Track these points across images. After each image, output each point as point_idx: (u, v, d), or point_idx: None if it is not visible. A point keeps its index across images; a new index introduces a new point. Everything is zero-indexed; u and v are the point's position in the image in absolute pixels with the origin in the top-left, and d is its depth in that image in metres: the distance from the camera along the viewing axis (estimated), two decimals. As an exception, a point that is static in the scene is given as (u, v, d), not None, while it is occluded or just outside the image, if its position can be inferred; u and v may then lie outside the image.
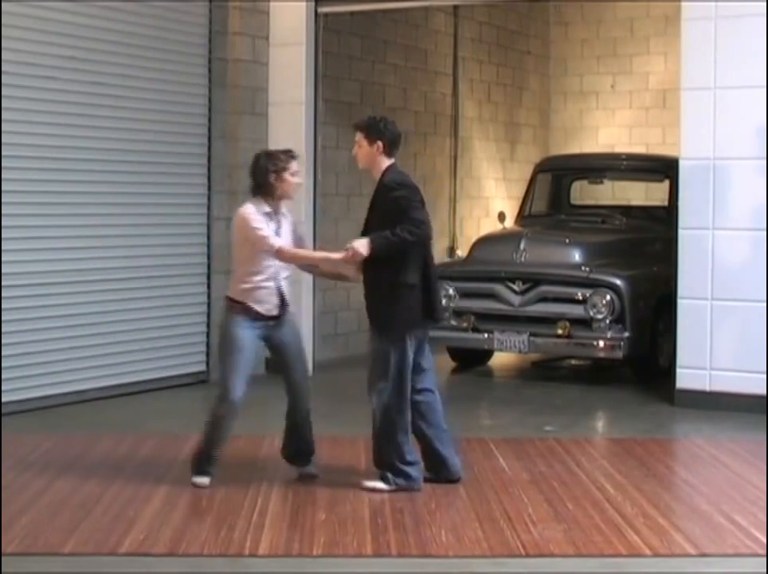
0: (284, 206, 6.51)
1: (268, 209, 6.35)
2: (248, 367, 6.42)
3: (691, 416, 8.66)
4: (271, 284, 6.37)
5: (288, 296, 6.49)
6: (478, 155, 14.34)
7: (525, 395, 9.77)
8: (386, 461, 6.37)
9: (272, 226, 6.34)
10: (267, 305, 6.38)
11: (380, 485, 6.36)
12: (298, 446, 6.66)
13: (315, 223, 10.55)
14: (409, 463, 6.37)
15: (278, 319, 6.45)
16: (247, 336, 6.36)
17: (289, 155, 6.44)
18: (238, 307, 6.36)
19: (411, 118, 12.81)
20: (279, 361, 6.63)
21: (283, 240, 6.35)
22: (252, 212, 6.32)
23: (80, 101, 9.00)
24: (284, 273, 6.44)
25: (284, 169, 6.34)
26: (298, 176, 6.46)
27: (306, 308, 10.45)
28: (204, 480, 6.40)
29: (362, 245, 6.20)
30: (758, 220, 8.69)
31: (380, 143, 6.35)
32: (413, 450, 6.43)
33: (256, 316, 6.36)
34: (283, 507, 6.03)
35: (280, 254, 6.32)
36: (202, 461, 6.45)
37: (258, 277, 6.34)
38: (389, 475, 6.34)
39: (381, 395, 6.33)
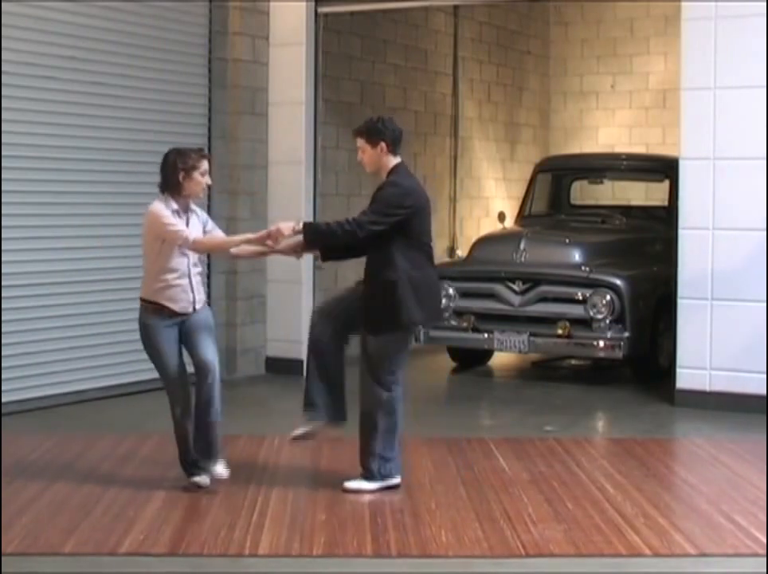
0: (194, 203, 6.45)
1: (175, 206, 6.27)
2: (177, 364, 6.38)
3: (691, 416, 8.66)
4: (184, 281, 6.30)
5: (200, 292, 6.41)
6: (478, 155, 14.34)
7: (525, 395, 9.77)
8: (377, 456, 6.29)
9: (181, 223, 6.28)
10: (181, 303, 6.30)
11: (365, 485, 6.29)
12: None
13: (315, 223, 10.54)
14: (393, 459, 6.36)
15: (192, 314, 6.37)
16: (166, 337, 6.30)
17: (201, 153, 6.40)
18: (152, 307, 6.30)
19: (411, 118, 12.81)
20: (187, 346, 6.45)
21: (195, 233, 6.30)
22: (162, 209, 6.25)
23: (80, 101, 9.00)
24: (195, 269, 6.39)
25: (194, 167, 6.26)
26: (208, 176, 6.36)
27: (306, 308, 10.44)
28: (202, 478, 6.38)
29: (286, 226, 6.22)
30: (758, 220, 8.69)
31: (383, 144, 6.34)
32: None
33: (171, 315, 6.29)
34: (283, 507, 6.02)
35: (196, 245, 6.27)
36: (187, 464, 6.44)
37: (171, 275, 6.27)
38: (375, 472, 6.29)
39: (384, 390, 6.28)
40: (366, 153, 6.39)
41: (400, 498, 6.21)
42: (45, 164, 8.74)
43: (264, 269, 10.51)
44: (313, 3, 10.51)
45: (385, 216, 6.22)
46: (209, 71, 10.19)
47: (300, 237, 6.39)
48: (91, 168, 9.10)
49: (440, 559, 5.26)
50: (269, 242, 6.33)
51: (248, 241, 6.45)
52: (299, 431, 6.46)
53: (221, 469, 6.30)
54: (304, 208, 10.45)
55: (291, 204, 10.44)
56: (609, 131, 15.67)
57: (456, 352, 11.06)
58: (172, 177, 6.27)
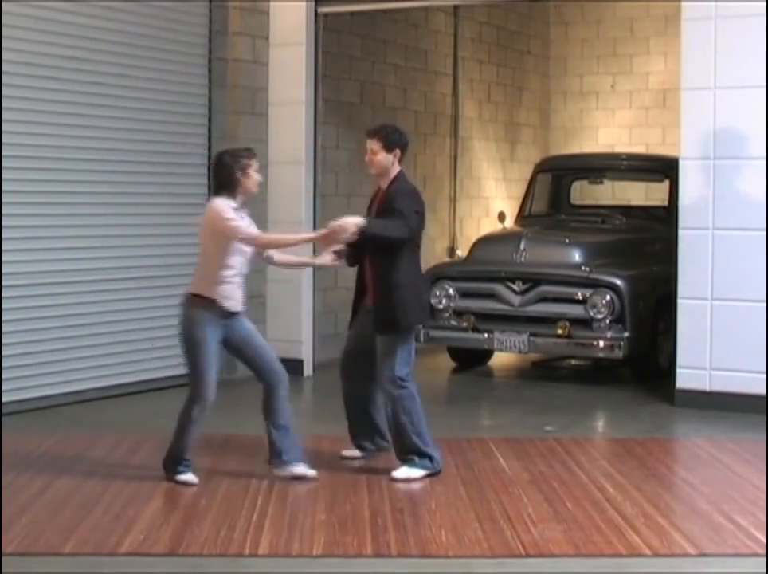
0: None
1: (234, 204, 6.37)
2: (216, 366, 6.44)
3: (691, 416, 8.66)
4: (239, 279, 6.43)
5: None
6: (478, 155, 14.34)
7: (525, 395, 9.77)
8: (413, 448, 6.61)
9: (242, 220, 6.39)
10: (233, 301, 6.40)
11: (412, 473, 6.58)
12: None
13: (315, 223, 10.54)
14: (430, 445, 6.67)
15: (237, 316, 6.47)
16: (210, 334, 6.36)
17: (250, 152, 6.54)
18: (204, 302, 6.35)
19: (411, 118, 12.81)
20: (244, 356, 6.58)
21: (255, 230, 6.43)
22: (225, 205, 6.34)
23: (80, 101, 9.00)
24: (247, 268, 6.49)
25: (248, 166, 6.41)
26: (259, 173, 6.50)
27: (306, 308, 10.45)
28: (188, 476, 6.43)
29: (352, 222, 6.36)
30: (758, 220, 8.69)
31: (398, 151, 6.66)
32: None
33: (222, 313, 6.37)
34: (283, 507, 6.02)
35: (259, 241, 6.40)
36: (176, 462, 6.48)
37: (228, 272, 6.36)
38: (417, 460, 6.61)
39: (404, 384, 6.58)
40: (379, 156, 6.63)
41: (400, 498, 6.21)
42: (45, 164, 8.74)
43: (264, 269, 10.48)
44: (313, 3, 10.51)
45: (414, 221, 6.55)
46: (209, 71, 10.18)
47: (342, 245, 6.62)
48: (91, 168, 9.10)
49: (440, 559, 5.26)
50: (327, 239, 6.47)
51: (307, 240, 6.61)
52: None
53: (303, 469, 6.54)
54: (304, 208, 10.45)
55: (291, 204, 10.45)
56: (609, 131, 15.67)
57: (456, 352, 11.06)
58: (230, 177, 6.38)
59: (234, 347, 6.57)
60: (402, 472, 6.61)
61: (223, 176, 6.43)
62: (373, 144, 6.66)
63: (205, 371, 6.37)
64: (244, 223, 6.35)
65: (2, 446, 7.18)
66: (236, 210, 6.36)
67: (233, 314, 6.44)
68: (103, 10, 9.15)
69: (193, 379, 6.44)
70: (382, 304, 6.59)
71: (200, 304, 6.38)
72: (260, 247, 6.49)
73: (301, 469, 6.54)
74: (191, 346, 6.40)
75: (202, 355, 6.36)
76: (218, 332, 6.39)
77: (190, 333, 6.39)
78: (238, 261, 6.40)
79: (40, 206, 8.73)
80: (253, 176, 6.43)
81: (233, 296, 6.40)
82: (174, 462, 6.50)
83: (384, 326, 6.58)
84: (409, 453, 6.64)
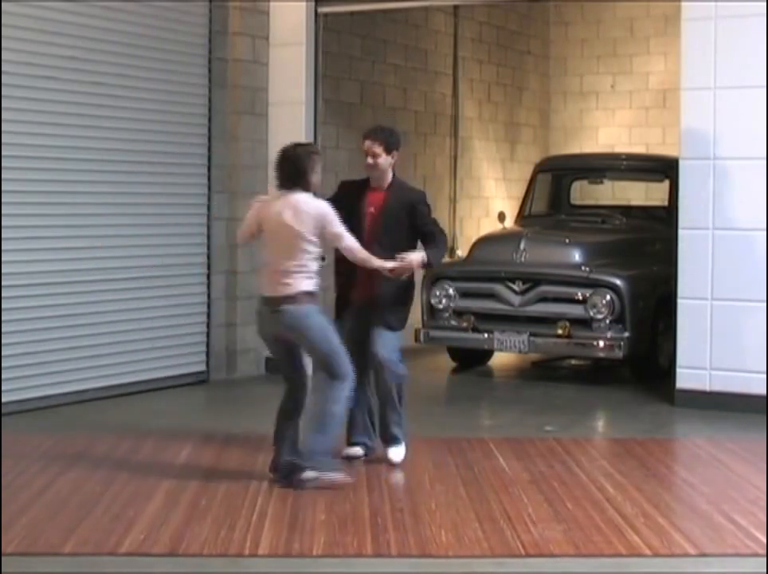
0: None
1: None
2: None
3: (691, 416, 8.66)
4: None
5: None
6: (478, 155, 14.34)
7: (525, 395, 9.77)
8: (401, 425, 6.92)
9: None
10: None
11: (401, 450, 6.91)
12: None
13: (315, 223, 10.54)
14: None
15: None
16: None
17: (314, 148, 6.68)
18: (311, 298, 6.41)
19: (411, 118, 12.81)
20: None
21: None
22: (329, 208, 6.42)
23: (80, 101, 9.00)
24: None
25: (317, 163, 6.48)
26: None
27: (306, 308, 10.43)
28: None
29: (417, 259, 6.69)
30: (758, 220, 8.69)
31: (395, 153, 6.86)
32: None
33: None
34: (283, 507, 6.02)
35: (353, 252, 6.48)
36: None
37: (314, 266, 6.45)
38: (401, 437, 6.94)
39: (401, 369, 6.89)
40: (381, 157, 6.80)
41: (400, 498, 6.21)
42: (45, 164, 8.73)
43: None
44: (313, 3, 10.51)
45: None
46: (209, 71, 10.18)
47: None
48: (91, 168, 9.10)
49: (440, 559, 5.26)
50: (395, 273, 6.66)
51: (380, 269, 6.61)
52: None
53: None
54: (304, 208, 10.43)
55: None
56: (609, 131, 15.66)
57: (456, 352, 11.06)
58: (303, 171, 6.42)
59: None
60: (397, 453, 6.89)
61: (296, 170, 6.41)
62: (375, 147, 6.77)
63: (340, 350, 6.40)
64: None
65: (2, 446, 7.18)
66: None
67: None
68: (103, 10, 9.15)
69: (333, 362, 6.39)
70: (390, 302, 6.81)
71: (307, 300, 6.38)
72: (350, 256, 6.52)
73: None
74: (317, 333, 6.38)
75: (331, 337, 6.40)
76: None
77: (309, 324, 6.37)
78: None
79: (40, 206, 8.73)
80: (319, 173, 6.48)
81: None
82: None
83: (398, 322, 6.89)
84: (398, 429, 6.90)
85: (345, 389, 6.40)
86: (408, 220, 6.84)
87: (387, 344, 6.82)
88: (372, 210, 6.84)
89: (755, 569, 5.17)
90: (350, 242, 6.46)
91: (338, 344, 6.41)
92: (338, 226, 6.40)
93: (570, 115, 15.93)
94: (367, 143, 6.80)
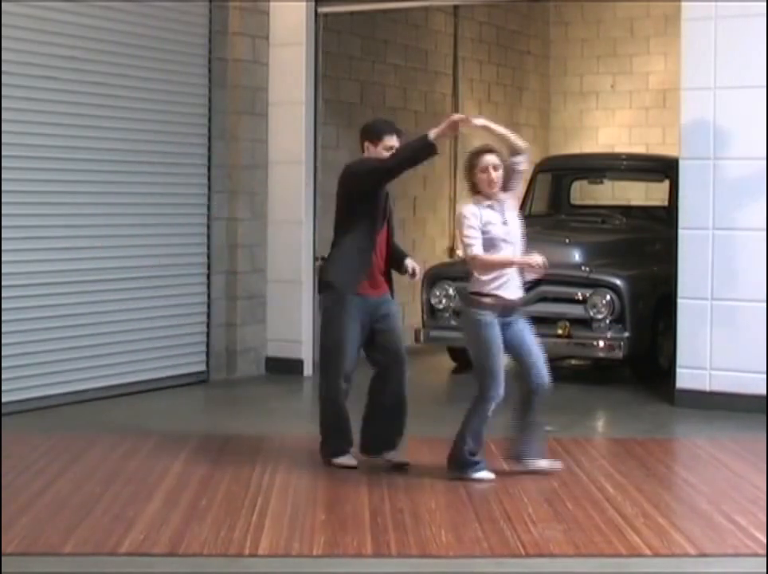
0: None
1: (487, 202, 6.46)
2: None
3: (691, 416, 8.66)
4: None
5: None
6: (478, 155, 14.31)
7: (525, 395, 9.75)
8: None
9: (497, 218, 6.44)
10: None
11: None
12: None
13: (314, 223, 10.55)
14: None
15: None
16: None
17: (480, 149, 6.51)
18: (481, 302, 6.49)
19: (411, 118, 12.80)
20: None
21: (479, 247, 6.40)
22: (471, 209, 6.42)
23: (80, 101, 9.00)
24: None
25: (474, 166, 6.44)
26: (493, 173, 6.45)
27: (306, 308, 10.44)
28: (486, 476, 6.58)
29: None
30: (758, 220, 8.68)
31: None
32: None
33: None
34: (283, 507, 6.02)
35: (475, 262, 6.41)
36: (468, 461, 6.56)
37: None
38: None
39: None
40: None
41: (400, 498, 6.21)
42: (44, 164, 8.73)
43: (264, 269, 10.51)
44: (313, 3, 10.51)
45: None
46: (209, 71, 10.18)
47: None
48: (91, 168, 9.10)
49: (440, 559, 5.26)
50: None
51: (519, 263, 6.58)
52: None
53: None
54: (304, 208, 10.45)
55: (291, 204, 10.45)
56: (609, 131, 15.66)
57: (456, 352, 11.04)
58: (470, 175, 6.49)
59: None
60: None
61: (468, 177, 6.51)
62: (396, 142, 6.73)
63: (497, 369, 6.46)
64: (474, 239, 6.39)
65: (2, 446, 7.18)
66: (489, 206, 6.44)
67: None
68: (103, 10, 9.15)
69: (484, 377, 6.49)
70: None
71: (478, 304, 6.44)
72: (476, 269, 6.45)
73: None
74: (480, 345, 6.47)
75: (494, 355, 6.44)
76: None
77: (477, 334, 6.46)
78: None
79: (40, 206, 8.73)
80: (480, 177, 6.43)
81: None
82: (465, 461, 6.58)
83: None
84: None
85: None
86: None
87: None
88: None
89: (755, 569, 5.17)
90: (473, 252, 6.46)
91: (495, 363, 6.52)
92: (462, 232, 6.48)
93: (570, 116, 15.93)
94: (392, 138, 6.74)
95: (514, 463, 6.72)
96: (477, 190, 6.48)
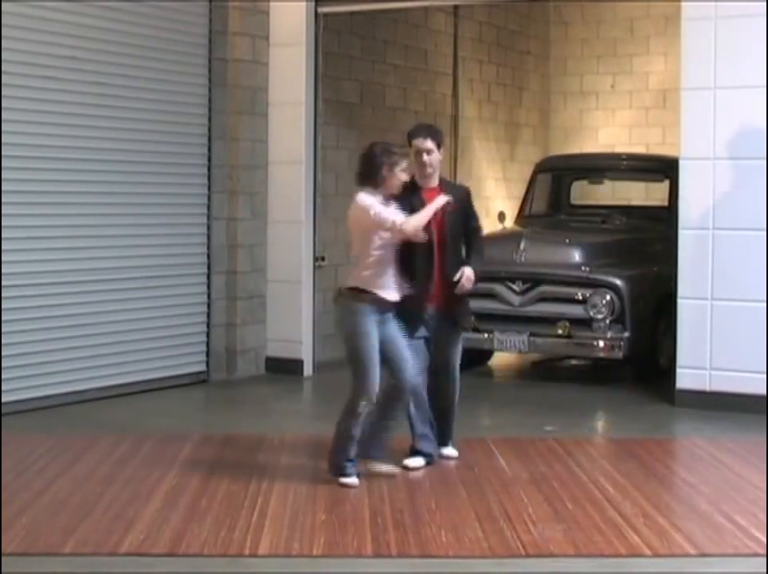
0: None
1: (380, 198, 6.40)
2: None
3: (691, 416, 8.66)
4: (391, 269, 6.46)
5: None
6: (478, 155, 14.34)
7: (525, 395, 9.77)
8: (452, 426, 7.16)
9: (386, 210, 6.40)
10: (389, 292, 6.44)
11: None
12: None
13: (314, 223, 10.56)
14: None
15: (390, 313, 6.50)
16: (371, 325, 6.38)
17: (403, 152, 6.55)
18: (365, 296, 6.38)
19: (411, 118, 12.78)
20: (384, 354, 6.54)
21: (399, 215, 6.37)
22: (369, 198, 6.36)
23: (80, 101, 9.00)
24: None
25: (396, 164, 6.41)
26: (404, 174, 6.48)
27: (306, 308, 10.45)
28: (352, 480, 6.41)
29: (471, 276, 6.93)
30: (758, 220, 8.69)
31: (442, 148, 6.92)
32: None
33: (381, 307, 6.41)
34: (283, 507, 6.02)
35: (403, 227, 6.33)
36: (341, 461, 6.45)
37: (381, 264, 6.40)
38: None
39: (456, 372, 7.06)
40: (435, 155, 6.83)
41: (400, 498, 6.21)
42: (44, 164, 8.74)
43: (264, 269, 10.51)
44: (313, 3, 10.51)
45: None
46: (209, 71, 10.18)
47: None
48: (91, 168, 9.10)
49: (440, 559, 5.26)
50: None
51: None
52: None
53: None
54: (304, 208, 10.45)
55: (291, 204, 10.45)
56: (609, 131, 15.66)
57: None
58: (377, 171, 6.40)
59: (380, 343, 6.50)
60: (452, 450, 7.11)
61: (370, 168, 6.41)
62: (427, 143, 6.74)
63: (369, 365, 6.34)
64: (389, 212, 6.35)
65: (2, 446, 7.18)
66: (382, 204, 6.41)
67: (390, 308, 6.44)
68: (103, 10, 9.15)
69: (357, 373, 6.39)
70: (461, 301, 7.03)
71: (360, 298, 6.37)
72: (407, 233, 6.37)
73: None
74: (354, 339, 6.37)
75: (366, 348, 6.34)
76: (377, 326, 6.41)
77: (352, 326, 6.38)
78: (389, 251, 6.41)
79: (40, 206, 8.73)
80: (399, 176, 6.43)
81: (388, 286, 6.41)
82: (338, 462, 6.46)
83: (467, 322, 7.23)
84: (451, 432, 7.11)
85: (358, 403, 6.53)
86: (462, 218, 6.93)
87: (458, 347, 7.13)
88: (442, 217, 6.76)
89: (755, 569, 5.17)
90: (393, 221, 6.36)
91: (366, 357, 6.40)
92: (374, 215, 6.34)
93: (569, 116, 15.93)
94: (419, 140, 6.77)
95: (359, 462, 6.53)
96: (380, 185, 6.44)
